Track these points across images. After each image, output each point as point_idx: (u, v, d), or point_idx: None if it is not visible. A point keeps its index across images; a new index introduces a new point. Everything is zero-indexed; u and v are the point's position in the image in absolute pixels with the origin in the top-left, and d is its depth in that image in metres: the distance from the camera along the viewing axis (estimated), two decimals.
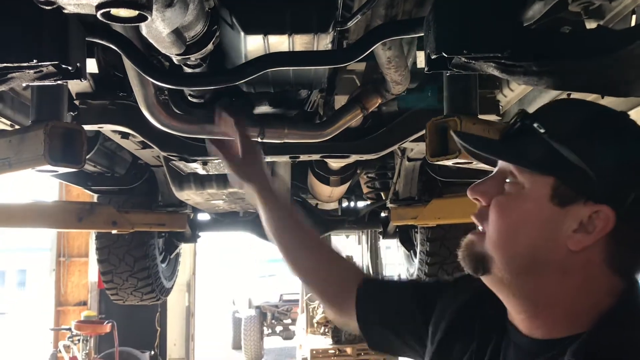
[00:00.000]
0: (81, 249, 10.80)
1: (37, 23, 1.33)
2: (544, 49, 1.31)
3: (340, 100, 2.94)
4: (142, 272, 4.90)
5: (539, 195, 0.97)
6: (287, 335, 14.30)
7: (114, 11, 1.04)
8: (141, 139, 2.84)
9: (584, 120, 0.99)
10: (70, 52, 1.40)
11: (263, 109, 2.49)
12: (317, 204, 5.44)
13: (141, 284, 4.97)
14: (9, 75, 1.39)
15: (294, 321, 13.65)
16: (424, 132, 2.21)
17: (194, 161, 2.80)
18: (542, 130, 0.98)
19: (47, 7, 1.01)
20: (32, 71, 1.39)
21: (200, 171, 3.13)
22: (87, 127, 2.63)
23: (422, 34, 1.58)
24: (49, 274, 11.00)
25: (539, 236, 0.98)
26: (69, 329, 8.54)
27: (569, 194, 0.96)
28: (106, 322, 8.51)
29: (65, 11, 1.08)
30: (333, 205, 5.55)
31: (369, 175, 5.11)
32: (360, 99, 2.48)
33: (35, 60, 1.34)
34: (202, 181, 3.51)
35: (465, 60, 1.37)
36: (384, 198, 5.17)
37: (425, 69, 1.45)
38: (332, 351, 8.60)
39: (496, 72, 1.41)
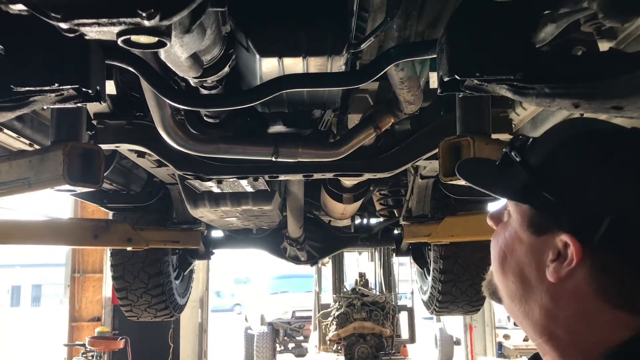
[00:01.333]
0: (95, 264, 10.90)
1: (59, 47, 1.37)
2: (556, 72, 1.32)
3: (353, 119, 2.96)
4: (156, 288, 4.93)
5: (519, 223, 0.98)
6: (300, 352, 14.22)
7: (134, 38, 1.07)
8: (157, 157, 2.88)
9: (559, 147, 0.96)
10: (90, 75, 1.44)
11: (277, 128, 2.52)
12: (329, 221, 5.46)
13: (155, 301, 5.00)
14: (31, 99, 1.42)
15: (306, 338, 13.58)
16: (436, 150, 2.22)
17: (209, 180, 2.83)
18: (517, 159, 0.98)
19: (70, 35, 1.04)
20: (53, 94, 1.43)
21: (215, 189, 3.16)
22: (104, 147, 2.68)
23: (435, 56, 1.60)
24: (64, 289, 11.09)
25: (524, 264, 0.97)
26: (83, 345, 8.63)
27: (544, 223, 0.94)
28: (120, 338, 8.60)
29: (87, 37, 1.11)
30: (346, 222, 5.56)
31: (382, 192, 5.13)
32: (374, 118, 2.50)
33: (56, 84, 1.38)
34: (216, 199, 3.54)
35: (478, 82, 1.39)
36: (396, 215, 5.19)
37: (438, 91, 1.47)
38: None
39: (509, 94, 1.42)
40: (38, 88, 1.38)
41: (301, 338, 14.31)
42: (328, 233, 5.37)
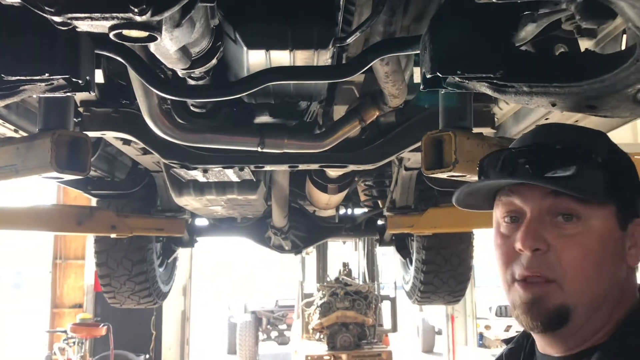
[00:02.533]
0: (78, 251, 10.84)
1: (50, 38, 1.39)
2: (535, 72, 1.37)
3: (339, 111, 3.00)
4: (139, 276, 4.93)
5: (609, 225, 0.98)
6: (282, 340, 14.31)
7: (126, 32, 1.09)
8: (143, 145, 2.90)
9: (611, 146, 1.04)
10: (80, 66, 1.46)
11: (263, 118, 2.55)
12: (314, 211, 5.49)
13: (138, 288, 5.00)
14: (21, 88, 1.44)
15: (289, 327, 13.66)
16: (419, 144, 2.26)
17: (195, 169, 2.86)
18: (599, 160, 0.98)
19: (63, 28, 1.06)
20: (43, 84, 1.45)
21: (201, 178, 3.18)
22: (90, 134, 2.69)
23: (419, 52, 1.64)
24: (46, 276, 11.04)
25: (615, 264, 0.99)
26: (65, 332, 8.60)
27: (626, 216, 1.00)
28: (102, 325, 8.53)
29: (79, 30, 1.13)
30: (330, 212, 5.60)
31: (367, 183, 5.18)
32: (359, 111, 2.54)
33: (47, 74, 1.40)
34: (201, 188, 3.56)
35: (459, 79, 1.43)
36: (380, 206, 5.24)
37: (421, 87, 1.51)
38: (327, 357, 8.59)
39: (489, 91, 1.47)
40: (28, 77, 1.40)
41: (284, 327, 14.39)
42: (312, 223, 5.42)
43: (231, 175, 3.03)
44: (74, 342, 8.43)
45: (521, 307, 0.98)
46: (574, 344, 1.00)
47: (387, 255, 12.19)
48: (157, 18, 1.05)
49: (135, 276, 4.91)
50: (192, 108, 2.35)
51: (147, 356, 10.11)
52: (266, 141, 2.43)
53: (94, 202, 5.01)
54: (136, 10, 1.01)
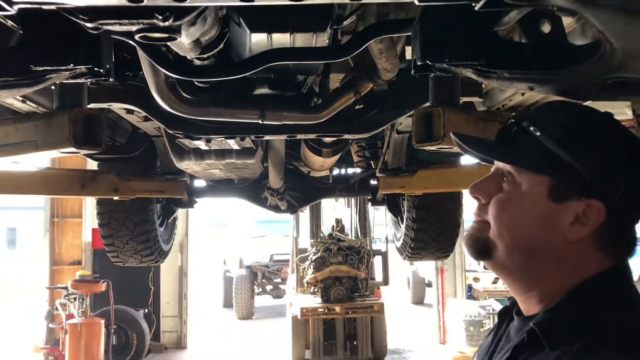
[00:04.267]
0: (75, 209, 10.95)
1: (74, 31, 1.51)
2: (515, 60, 1.52)
3: (335, 78, 3.11)
4: (141, 235, 5.09)
5: (536, 193, 1.09)
6: (277, 294, 14.62)
7: (150, 34, 1.23)
8: (146, 115, 3.01)
9: (574, 122, 1.11)
10: (102, 56, 1.59)
11: (263, 91, 2.68)
12: (309, 172, 5.64)
13: (141, 247, 5.17)
14: (47, 76, 1.57)
15: (283, 280, 13.92)
16: (412, 112, 2.41)
17: (199, 139, 3.00)
18: (538, 133, 1.09)
19: (94, 32, 1.20)
20: (67, 72, 1.58)
21: (203, 147, 3.32)
22: (97, 105, 2.82)
23: (410, 34, 1.78)
24: (43, 234, 11.15)
25: (538, 229, 1.09)
26: (66, 288, 8.76)
27: (564, 191, 1.07)
28: (101, 281, 8.71)
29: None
30: (325, 173, 5.75)
31: (360, 144, 5.32)
32: (353, 84, 2.68)
33: (71, 64, 1.53)
34: (201, 153, 3.70)
35: (447, 66, 1.58)
36: (373, 167, 5.39)
37: (412, 72, 1.65)
38: (322, 309, 8.86)
39: (474, 76, 1.62)
40: (55, 67, 1.53)
41: (279, 280, 14.68)
42: (307, 183, 5.56)
43: (232, 144, 3.17)
44: (74, 298, 8.60)
45: (465, 238, 1.20)
46: (527, 304, 1.14)
47: (379, 211, 12.44)
48: (177, 23, 1.19)
49: (137, 236, 5.08)
50: (196, 83, 2.48)
51: (146, 311, 10.37)
52: (267, 114, 2.57)
53: (92, 165, 5.12)
54: (160, 17, 1.15)
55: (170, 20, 1.14)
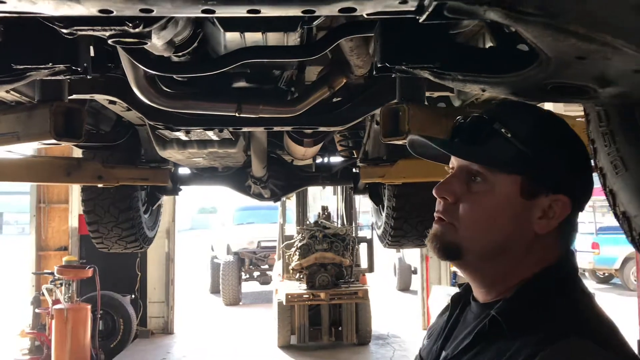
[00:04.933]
0: (61, 195, 10.92)
1: (53, 33, 1.59)
2: (466, 64, 1.62)
3: (313, 71, 3.21)
4: (126, 222, 5.18)
5: (510, 192, 1.15)
6: (264, 280, 14.72)
7: (122, 39, 1.32)
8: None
9: (538, 123, 1.18)
10: (79, 56, 1.68)
11: (240, 84, 2.78)
12: (292, 160, 5.74)
13: (125, 234, 5.26)
14: (28, 74, 1.66)
15: (271, 267, 14.00)
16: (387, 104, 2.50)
17: (178, 130, 3.09)
18: (508, 135, 1.14)
19: (69, 37, 1.29)
20: (46, 70, 1.67)
21: (183, 137, 3.41)
22: (80, 96, 2.90)
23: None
24: (29, 219, 11.16)
25: (511, 226, 1.16)
26: (52, 274, 8.79)
27: (535, 188, 1.14)
28: (88, 267, 8.72)
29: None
30: (308, 162, 5.85)
31: (343, 134, 5.42)
32: (328, 79, 2.78)
33: (50, 64, 1.62)
34: (184, 143, 3.79)
35: (405, 68, 1.68)
36: (356, 156, 5.50)
37: (374, 73, 1.76)
38: (307, 296, 8.99)
39: (430, 77, 1.72)
40: (34, 66, 1.62)
41: (266, 267, 14.78)
42: (290, 172, 5.65)
43: (211, 135, 3.27)
44: (61, 284, 8.62)
45: (428, 238, 1.21)
46: (487, 292, 1.21)
47: (365, 199, 12.56)
48: (147, 29, 1.28)
49: (121, 223, 5.16)
50: (175, 77, 2.57)
51: (133, 296, 10.43)
52: (243, 107, 2.67)
53: (78, 153, 5.18)
54: (130, 24, 1.24)
55: (140, 27, 1.24)
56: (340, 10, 1.15)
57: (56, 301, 8.50)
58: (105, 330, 9.46)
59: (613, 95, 1.44)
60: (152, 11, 1.09)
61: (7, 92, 2.40)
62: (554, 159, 1.16)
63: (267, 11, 1.11)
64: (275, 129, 3.19)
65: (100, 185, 4.64)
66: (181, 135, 3.30)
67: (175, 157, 4.36)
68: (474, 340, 1.16)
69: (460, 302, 1.32)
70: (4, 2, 1.06)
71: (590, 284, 15.36)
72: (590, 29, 1.12)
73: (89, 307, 8.58)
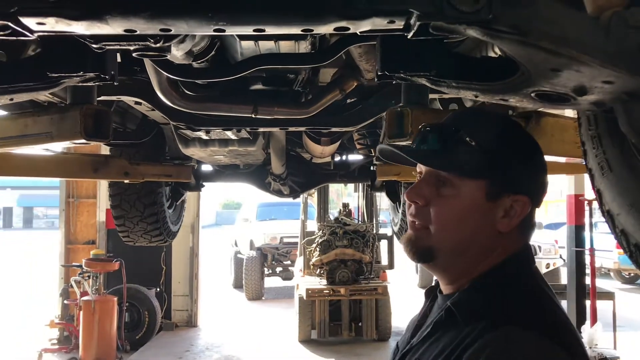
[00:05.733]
0: (89, 190, 11.14)
1: (83, 44, 1.77)
2: (459, 72, 1.76)
3: (325, 73, 3.35)
4: (151, 217, 5.37)
5: (476, 196, 1.25)
6: (287, 275, 14.85)
7: (145, 53, 1.49)
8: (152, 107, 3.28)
9: (499, 131, 1.29)
10: (107, 65, 1.86)
11: (257, 87, 2.95)
12: (311, 158, 5.89)
13: (150, 228, 5.46)
14: (61, 81, 1.84)
15: (293, 263, 14.11)
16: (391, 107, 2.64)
17: (199, 130, 3.27)
18: (473, 143, 1.25)
19: (98, 51, 1.46)
20: (78, 78, 1.85)
21: (204, 137, 3.59)
22: (108, 98, 3.09)
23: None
24: (59, 214, 11.44)
25: (477, 225, 1.26)
26: (80, 266, 9.01)
27: (498, 191, 1.25)
28: (115, 260, 8.95)
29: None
30: (326, 159, 5.99)
31: (361, 133, 5.55)
32: (339, 82, 2.93)
33: (81, 72, 1.80)
34: (205, 141, 3.97)
35: (404, 75, 1.83)
36: (373, 154, 5.62)
37: (376, 80, 1.90)
38: (327, 291, 9.15)
39: (427, 84, 1.87)
40: (67, 74, 1.80)
41: (288, 262, 14.91)
42: (309, 169, 5.78)
43: (230, 135, 3.44)
44: (89, 276, 8.82)
45: (403, 242, 1.32)
46: (451, 285, 1.31)
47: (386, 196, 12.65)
48: (167, 44, 1.45)
49: (147, 217, 5.35)
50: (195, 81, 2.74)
51: (158, 289, 10.66)
52: (259, 109, 2.83)
53: (106, 150, 5.39)
54: (152, 40, 1.41)
55: (161, 42, 1.40)
56: (336, 29, 1.30)
57: (84, 293, 8.73)
58: (130, 322, 9.65)
59: (591, 103, 1.57)
60: (170, 30, 1.25)
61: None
62: (514, 163, 1.27)
63: (271, 30, 1.27)
64: (290, 129, 3.36)
65: (126, 182, 4.85)
66: (202, 134, 3.48)
67: (197, 154, 4.54)
68: (433, 330, 1.27)
69: (431, 295, 1.42)
70: (44, 24, 1.24)
71: (614, 285, 15.21)
72: (558, 46, 1.26)
73: (116, 299, 8.79)
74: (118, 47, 1.43)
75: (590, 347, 6.37)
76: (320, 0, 1.23)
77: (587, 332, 6.48)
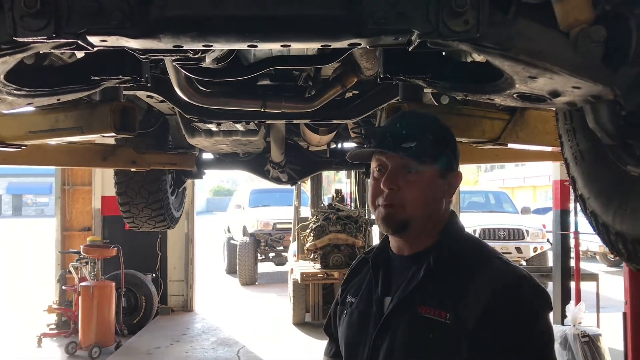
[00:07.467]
0: (84, 178, 11.18)
1: (123, 51, 2.02)
2: (452, 75, 2.03)
3: (327, 68, 3.60)
4: (155, 203, 5.59)
5: (434, 176, 1.62)
6: (280, 261, 15.05)
7: (184, 62, 1.74)
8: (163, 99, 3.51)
9: (438, 128, 1.67)
10: (143, 69, 2.10)
11: (265, 82, 3.20)
12: (308, 147, 6.12)
13: (155, 214, 5.68)
14: (102, 84, 2.09)
15: (286, 248, 14.28)
16: (393, 100, 2.90)
17: (211, 123, 3.52)
18: (430, 137, 1.62)
19: (144, 60, 1.71)
20: (116, 80, 2.10)
21: (214, 128, 3.84)
22: (125, 93, 3.31)
23: None
24: (54, 201, 11.51)
25: (436, 198, 1.65)
26: (78, 253, 9.12)
27: (446, 171, 1.65)
28: (112, 246, 9.08)
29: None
30: (322, 148, 6.21)
31: (356, 122, 5.78)
32: (341, 78, 3.19)
33: (121, 76, 2.04)
34: (210, 132, 4.21)
35: (403, 77, 2.09)
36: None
37: (378, 80, 2.17)
38: (321, 275, 9.37)
39: (424, 85, 2.13)
40: (108, 77, 2.04)
41: (281, 248, 15.07)
42: (306, 157, 5.99)
43: (239, 127, 3.69)
44: (86, 262, 8.91)
45: (381, 220, 1.63)
46: (415, 246, 1.65)
47: None
48: (203, 55, 1.70)
49: (151, 204, 5.56)
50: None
51: (154, 275, 10.74)
52: (267, 104, 3.10)
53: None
54: (192, 52, 1.66)
55: (199, 54, 1.65)
56: (349, 45, 1.56)
57: (82, 279, 8.83)
58: (128, 307, 9.78)
59: (564, 103, 1.84)
60: (212, 46, 1.50)
61: None
62: (450, 148, 1.68)
63: (296, 45, 1.53)
64: (295, 121, 3.62)
65: (133, 170, 5.07)
66: (212, 126, 3.73)
67: (202, 144, 4.77)
68: (424, 278, 1.57)
69: (379, 261, 1.73)
70: (106, 41, 1.49)
71: (600, 267, 15.56)
72: (534, 59, 1.53)
73: (113, 284, 8.89)
74: (162, 57, 1.68)
75: (574, 325, 6.66)
76: (337, 23, 1.49)
77: (571, 311, 6.76)
